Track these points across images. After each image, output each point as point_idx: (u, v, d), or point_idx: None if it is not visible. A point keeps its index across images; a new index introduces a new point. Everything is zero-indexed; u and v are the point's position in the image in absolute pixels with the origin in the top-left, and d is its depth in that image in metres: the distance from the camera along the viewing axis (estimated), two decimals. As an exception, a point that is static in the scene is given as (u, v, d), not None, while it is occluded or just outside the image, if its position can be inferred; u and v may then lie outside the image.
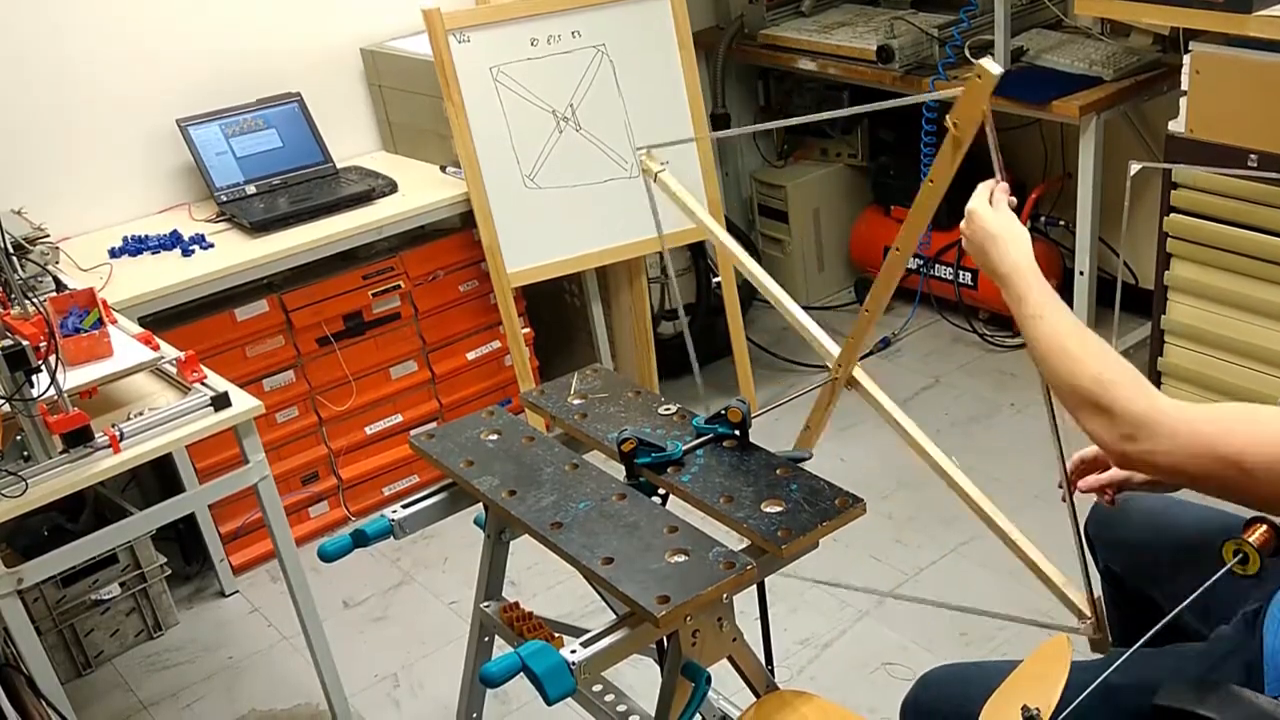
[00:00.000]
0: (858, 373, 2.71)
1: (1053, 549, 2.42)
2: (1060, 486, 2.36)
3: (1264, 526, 2.08)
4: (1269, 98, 3.37)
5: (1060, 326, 1.92)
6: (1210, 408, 1.79)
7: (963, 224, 2.16)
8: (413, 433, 2.71)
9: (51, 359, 2.61)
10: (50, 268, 3.46)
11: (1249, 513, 2.16)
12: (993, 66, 2.14)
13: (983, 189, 2.17)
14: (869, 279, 5.43)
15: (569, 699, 2.08)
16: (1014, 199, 2.17)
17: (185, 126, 4.18)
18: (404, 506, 2.60)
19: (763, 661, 2.39)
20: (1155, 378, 3.94)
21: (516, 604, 2.61)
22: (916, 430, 2.55)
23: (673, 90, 4.19)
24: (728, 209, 4.77)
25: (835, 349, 2.79)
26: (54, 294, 3.01)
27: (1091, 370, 1.83)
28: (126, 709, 3.65)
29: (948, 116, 2.22)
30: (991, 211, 2.12)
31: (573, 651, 2.05)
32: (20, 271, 2.99)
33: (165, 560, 3.87)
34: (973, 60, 4.47)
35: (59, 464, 2.73)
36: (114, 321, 3.13)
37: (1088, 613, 2.33)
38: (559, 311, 4.78)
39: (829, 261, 5.55)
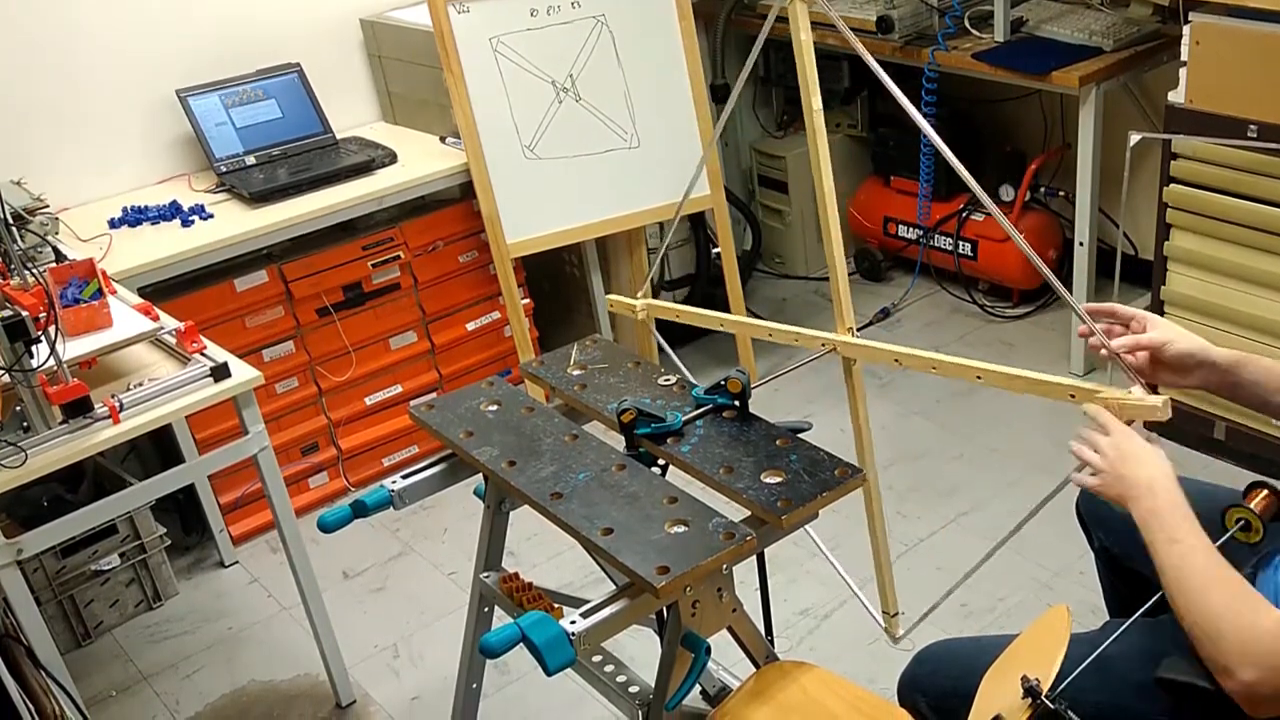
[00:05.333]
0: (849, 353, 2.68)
1: (1049, 522, 2.42)
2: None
3: (1265, 492, 2.09)
4: (1269, 68, 3.36)
5: (1194, 556, 1.86)
6: None
7: (1100, 440, 2.08)
8: (412, 403, 2.72)
9: (51, 329, 2.60)
10: (50, 238, 3.46)
11: (1241, 486, 2.17)
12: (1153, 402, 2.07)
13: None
14: (869, 249, 5.43)
15: (569, 669, 2.09)
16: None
17: (185, 97, 4.17)
18: (403, 477, 2.61)
19: (762, 632, 2.39)
20: (1155, 349, 3.94)
21: (516, 574, 2.62)
22: (866, 428, 2.54)
23: (672, 61, 4.18)
24: (727, 180, 4.77)
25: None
26: (53, 264, 3.01)
27: (1211, 608, 1.81)
28: (126, 679, 3.65)
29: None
30: (1133, 434, 2.05)
31: (572, 622, 2.06)
32: (20, 242, 2.99)
33: (165, 531, 3.88)
34: (972, 30, 4.47)
35: (58, 434, 2.73)
36: (113, 292, 3.13)
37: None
38: (559, 282, 4.78)
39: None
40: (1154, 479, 1.97)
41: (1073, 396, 2.18)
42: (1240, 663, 1.74)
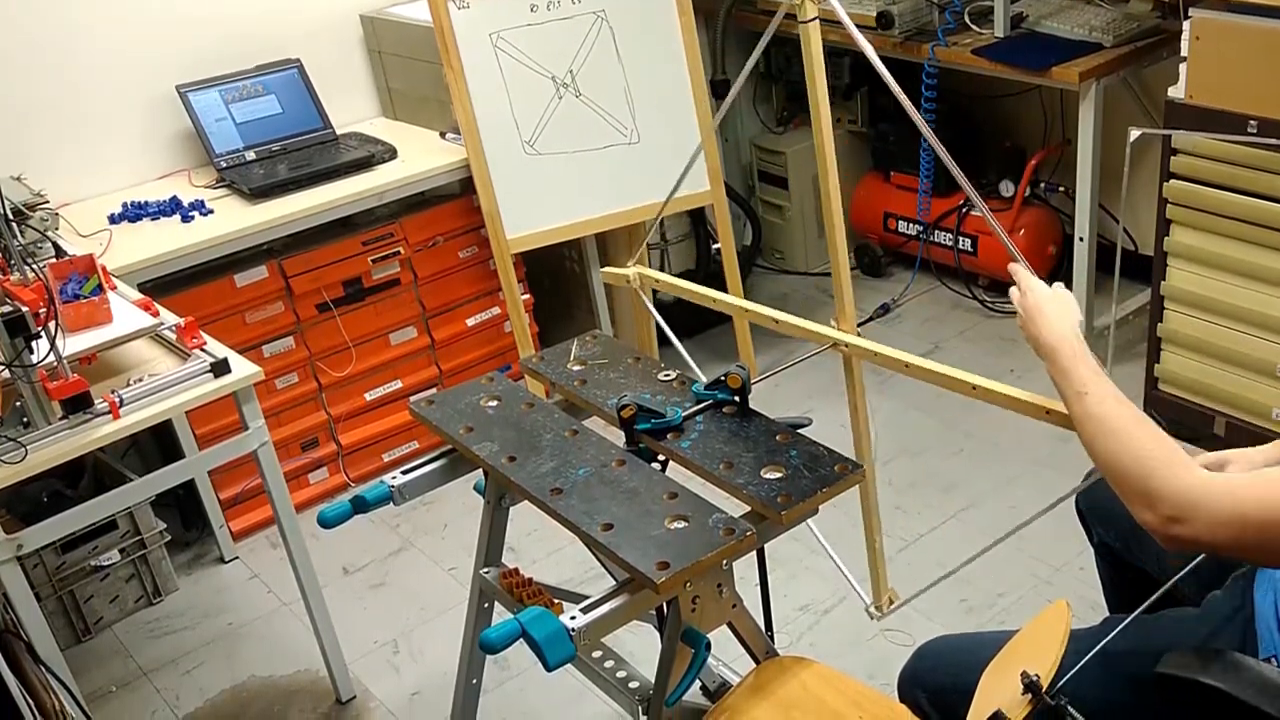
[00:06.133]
0: (855, 340, 2.69)
1: (1049, 518, 2.42)
2: None
3: None
4: (1269, 63, 3.36)
5: (1104, 405, 1.91)
6: (1246, 476, 1.79)
7: (1014, 292, 2.19)
8: (412, 399, 2.72)
9: (51, 325, 2.60)
10: (50, 234, 3.46)
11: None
12: None
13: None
14: (869, 245, 5.43)
15: (569, 665, 2.09)
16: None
17: (185, 92, 4.17)
18: (404, 473, 2.61)
19: (762, 628, 2.39)
20: (1155, 344, 3.94)
21: (516, 570, 2.62)
22: (938, 365, 2.54)
23: (672, 56, 4.18)
24: (727, 175, 4.77)
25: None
26: (53, 260, 3.01)
27: (1133, 450, 1.83)
28: (126, 675, 3.66)
29: None
30: (1043, 284, 2.14)
31: (572, 618, 2.06)
32: (20, 238, 2.99)
33: (165, 526, 3.88)
34: (972, 26, 4.47)
35: (58, 430, 2.73)
36: (113, 288, 3.13)
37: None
38: (559, 277, 4.78)
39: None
40: (1057, 341, 2.04)
41: (1047, 414, 2.22)
42: (1173, 504, 1.76)
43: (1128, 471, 1.82)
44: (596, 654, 2.58)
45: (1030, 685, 1.72)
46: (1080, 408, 1.94)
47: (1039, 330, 2.08)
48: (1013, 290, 2.21)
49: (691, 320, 4.69)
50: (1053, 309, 2.10)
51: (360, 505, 2.57)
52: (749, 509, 2.24)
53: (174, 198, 4.00)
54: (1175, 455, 1.80)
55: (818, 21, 2.47)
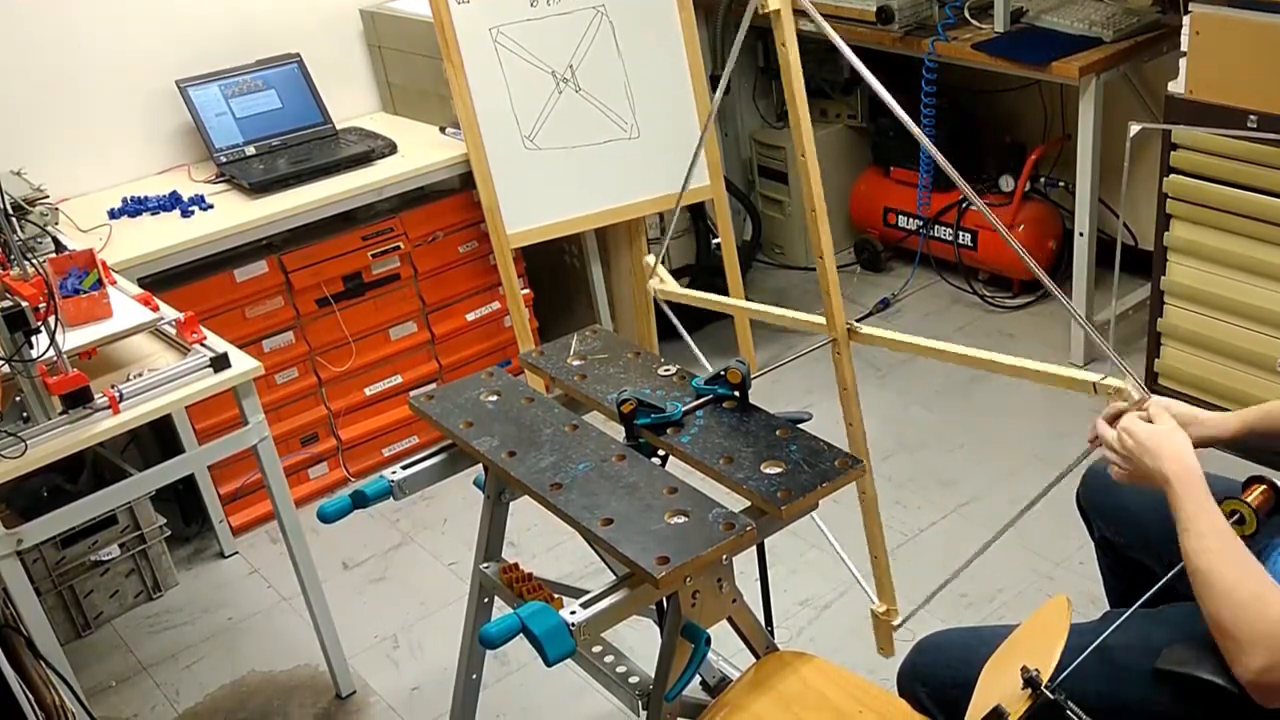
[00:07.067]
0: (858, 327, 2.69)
1: (1049, 513, 2.42)
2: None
3: (1263, 486, 2.09)
4: (1269, 58, 3.36)
5: (1207, 544, 1.86)
6: None
7: (1113, 439, 2.09)
8: (412, 394, 2.72)
9: (51, 320, 2.60)
10: (50, 229, 3.46)
11: (1239, 476, 2.17)
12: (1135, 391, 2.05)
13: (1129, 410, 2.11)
14: (869, 240, 5.43)
15: (568, 660, 2.09)
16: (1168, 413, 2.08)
17: (185, 87, 4.16)
18: (403, 467, 2.61)
19: (762, 622, 2.39)
20: (1155, 338, 3.94)
21: (516, 565, 2.62)
22: (944, 344, 2.50)
23: (672, 51, 4.18)
24: (727, 170, 4.76)
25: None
26: (53, 255, 3.01)
27: (1232, 600, 1.80)
28: (126, 670, 3.66)
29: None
30: (1143, 425, 2.05)
31: (572, 613, 2.06)
32: (20, 232, 2.98)
33: (164, 521, 3.88)
34: (972, 21, 4.47)
35: (58, 425, 2.73)
36: (113, 282, 3.13)
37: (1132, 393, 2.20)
38: (558, 272, 4.78)
39: (828, 222, 5.53)
40: (1178, 474, 1.94)
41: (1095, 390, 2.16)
42: (1251, 648, 1.74)
43: (1221, 620, 1.80)
44: (596, 649, 2.58)
45: (1030, 680, 1.72)
46: (1185, 542, 1.89)
47: (1159, 464, 1.97)
48: (1105, 434, 2.11)
49: (691, 315, 4.70)
50: (1173, 440, 1.99)
51: (360, 500, 2.57)
52: (749, 504, 2.25)
53: (174, 193, 4.00)
54: (1259, 596, 1.78)
55: (787, 10, 2.36)
